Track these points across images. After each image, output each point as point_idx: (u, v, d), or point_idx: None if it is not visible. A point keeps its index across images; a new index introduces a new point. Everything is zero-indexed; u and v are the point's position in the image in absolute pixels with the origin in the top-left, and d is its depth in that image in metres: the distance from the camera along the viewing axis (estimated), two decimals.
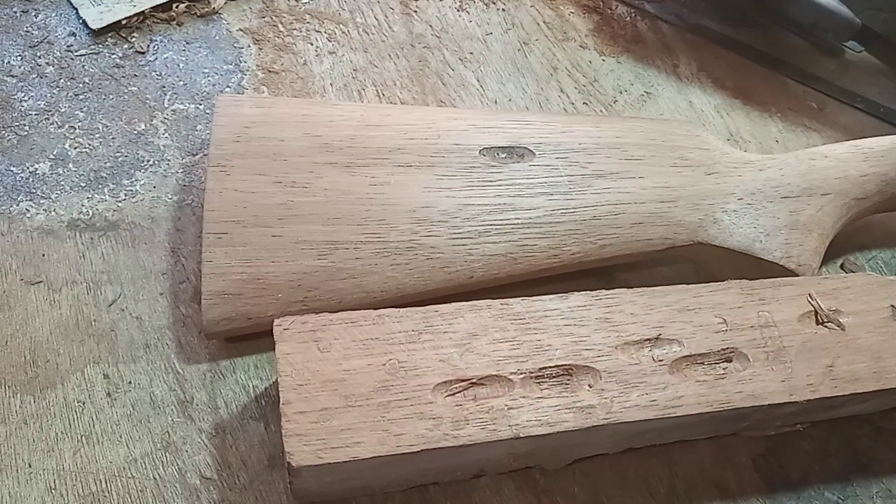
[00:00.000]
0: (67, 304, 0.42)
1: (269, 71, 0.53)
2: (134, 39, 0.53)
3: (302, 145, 0.43)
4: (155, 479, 0.37)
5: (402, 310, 0.36)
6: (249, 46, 0.54)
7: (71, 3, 0.54)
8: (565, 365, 0.36)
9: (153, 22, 0.54)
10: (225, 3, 0.56)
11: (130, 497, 0.36)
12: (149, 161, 0.48)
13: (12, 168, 0.46)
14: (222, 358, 0.41)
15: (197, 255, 0.44)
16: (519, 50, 0.58)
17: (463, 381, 0.35)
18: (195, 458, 0.38)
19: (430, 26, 0.58)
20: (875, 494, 0.41)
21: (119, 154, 0.48)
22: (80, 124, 0.49)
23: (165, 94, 0.51)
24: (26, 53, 0.51)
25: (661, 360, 0.37)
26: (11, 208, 0.45)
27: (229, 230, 0.40)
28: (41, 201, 0.45)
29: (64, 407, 0.39)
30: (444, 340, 0.36)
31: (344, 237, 0.41)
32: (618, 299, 0.38)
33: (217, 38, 0.55)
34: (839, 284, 0.41)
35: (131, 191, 0.46)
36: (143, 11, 0.54)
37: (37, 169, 0.46)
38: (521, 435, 0.34)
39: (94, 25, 0.52)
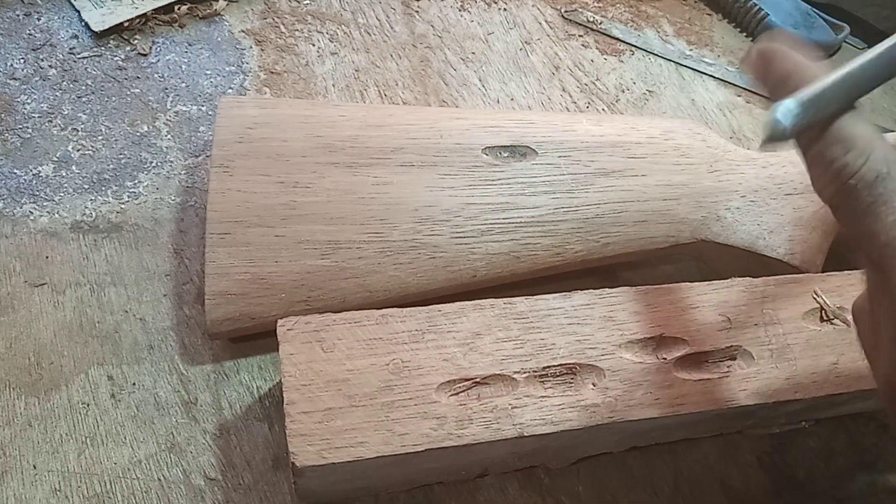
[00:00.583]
0: (71, 306, 0.42)
1: (272, 72, 0.53)
2: (136, 41, 0.53)
3: (304, 146, 0.43)
4: (159, 480, 0.37)
5: (405, 309, 0.36)
6: (251, 48, 0.55)
7: (73, 6, 0.54)
8: (569, 364, 0.36)
9: (155, 24, 0.54)
10: (227, 4, 0.56)
11: (135, 498, 0.37)
12: (151, 163, 0.48)
13: (16, 171, 0.46)
14: (226, 359, 0.41)
15: (200, 256, 0.44)
16: (521, 49, 0.58)
17: (467, 380, 0.35)
18: (199, 458, 0.38)
19: (432, 26, 0.58)
20: (881, 492, 0.41)
21: (122, 156, 0.48)
22: (82, 126, 0.49)
23: (168, 96, 0.51)
24: (29, 56, 0.51)
25: (664, 359, 0.37)
26: (15, 211, 0.45)
27: (232, 230, 0.40)
28: (44, 203, 0.45)
29: (68, 408, 0.39)
30: (447, 340, 0.36)
31: (347, 237, 0.41)
32: (621, 298, 0.38)
33: (219, 39, 0.55)
34: (843, 281, 0.41)
35: (134, 192, 0.46)
36: (145, 13, 0.54)
37: (40, 171, 0.46)
38: (526, 434, 0.34)
39: (97, 28, 0.52)
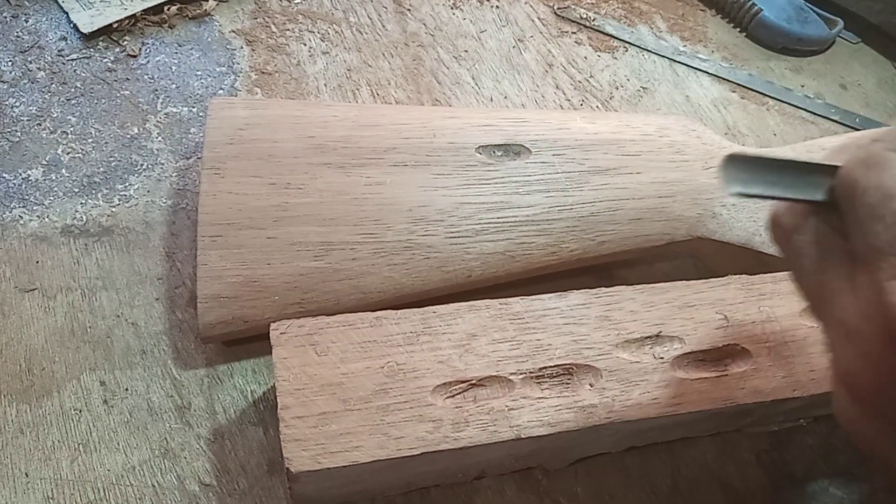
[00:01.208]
0: (63, 311, 0.41)
1: (263, 72, 0.53)
2: (125, 43, 0.53)
3: (296, 147, 0.42)
4: (153, 486, 0.37)
5: (399, 311, 0.36)
6: (242, 48, 0.54)
7: (62, 8, 0.53)
8: (566, 364, 0.36)
9: (145, 25, 0.54)
10: (217, 4, 0.56)
11: None
12: (142, 165, 0.47)
13: (5, 175, 0.46)
14: (219, 363, 0.41)
15: (192, 259, 0.43)
16: (514, 47, 0.58)
17: (462, 382, 0.34)
18: (194, 464, 0.38)
19: (424, 25, 0.58)
20: (880, 489, 0.41)
21: (112, 159, 0.47)
22: (72, 129, 0.48)
23: (158, 98, 0.50)
24: (17, 58, 0.51)
25: (661, 358, 0.36)
26: (4, 215, 0.44)
27: (224, 233, 0.40)
28: (34, 208, 0.45)
29: (60, 415, 0.38)
30: (442, 342, 0.35)
31: (340, 238, 0.40)
32: (617, 297, 0.38)
33: (209, 39, 0.54)
34: None
35: (125, 195, 0.46)
36: (134, 14, 0.53)
37: (29, 175, 0.46)
38: (523, 436, 0.33)
39: (85, 29, 0.52)
